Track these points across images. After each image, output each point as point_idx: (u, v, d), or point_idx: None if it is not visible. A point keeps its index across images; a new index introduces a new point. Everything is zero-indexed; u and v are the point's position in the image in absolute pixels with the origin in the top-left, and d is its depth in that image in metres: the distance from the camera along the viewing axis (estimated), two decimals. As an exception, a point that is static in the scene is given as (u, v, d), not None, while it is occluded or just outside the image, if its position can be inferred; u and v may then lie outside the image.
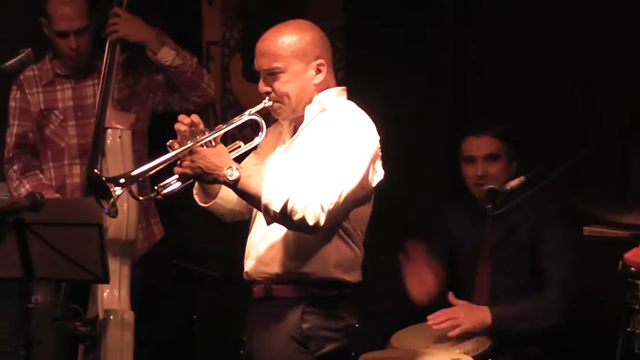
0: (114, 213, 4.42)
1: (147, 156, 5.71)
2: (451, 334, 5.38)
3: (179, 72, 5.74)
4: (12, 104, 5.82)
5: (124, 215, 5.13)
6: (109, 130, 5.57)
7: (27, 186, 5.78)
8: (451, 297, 5.48)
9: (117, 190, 4.38)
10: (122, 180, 4.42)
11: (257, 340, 4.68)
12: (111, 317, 5.40)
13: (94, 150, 5.59)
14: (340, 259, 4.61)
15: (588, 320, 5.59)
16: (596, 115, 6.27)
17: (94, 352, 5.50)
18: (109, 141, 5.56)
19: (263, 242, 4.67)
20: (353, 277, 4.65)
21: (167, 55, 5.69)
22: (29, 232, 4.54)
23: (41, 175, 5.90)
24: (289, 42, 4.65)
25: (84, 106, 5.84)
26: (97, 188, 4.43)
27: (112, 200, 4.40)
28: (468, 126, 6.12)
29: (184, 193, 4.70)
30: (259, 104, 4.66)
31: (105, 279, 4.83)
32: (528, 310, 5.46)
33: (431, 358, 5.18)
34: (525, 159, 5.78)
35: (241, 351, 4.89)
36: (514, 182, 5.22)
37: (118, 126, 5.59)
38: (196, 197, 4.78)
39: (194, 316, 5.72)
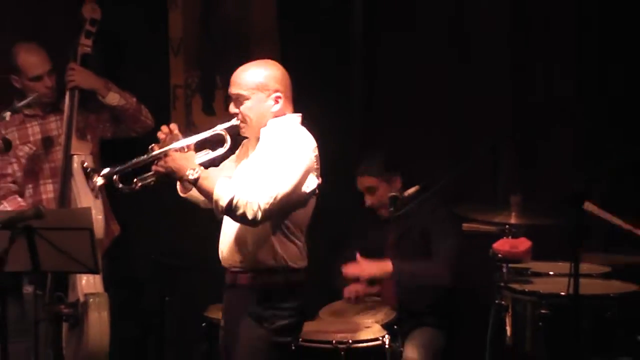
0: (93, 189, 4.62)
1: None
2: (353, 274, 5.57)
3: (122, 110, 5.77)
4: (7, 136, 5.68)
5: (96, 221, 5.06)
6: (74, 157, 5.59)
7: (8, 208, 5.68)
8: (358, 256, 5.57)
9: (99, 181, 4.47)
10: (112, 169, 4.49)
11: (228, 322, 4.78)
12: (90, 299, 5.37)
13: (64, 174, 5.62)
14: (284, 251, 4.62)
15: (467, 295, 5.63)
16: (468, 131, 6.24)
17: (76, 329, 5.46)
18: (75, 165, 5.58)
19: (229, 237, 4.72)
20: (297, 264, 4.67)
21: (113, 98, 5.71)
22: (36, 235, 4.49)
23: (19, 199, 5.78)
24: (254, 76, 4.66)
25: (50, 137, 5.82)
26: (88, 173, 4.56)
27: (97, 180, 4.48)
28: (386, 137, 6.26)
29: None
30: (230, 120, 4.69)
31: (97, 270, 4.79)
32: (421, 271, 5.53)
33: (350, 325, 5.27)
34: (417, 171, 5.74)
35: (203, 324, 5.08)
36: (410, 190, 5.29)
37: (81, 153, 5.63)
38: (178, 188, 4.78)
39: (166, 298, 5.65)
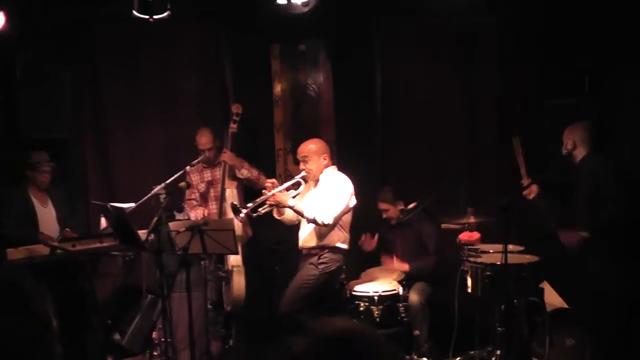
0: (241, 220, 4.80)
1: (243, 200, 5.60)
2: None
3: (250, 179, 5.70)
4: (188, 180, 5.62)
5: (237, 226, 4.98)
6: (227, 190, 5.64)
7: (192, 216, 5.67)
8: (395, 258, 5.57)
9: (244, 211, 4.75)
10: (249, 205, 4.79)
11: (301, 268, 4.99)
12: (235, 269, 5.42)
13: (221, 199, 5.64)
14: (339, 238, 4.93)
15: (445, 265, 5.37)
16: (443, 164, 6.12)
17: (228, 285, 5.50)
18: (227, 195, 5.62)
19: (305, 232, 5.00)
20: (345, 245, 4.97)
21: (244, 172, 5.67)
22: (205, 234, 4.59)
23: (200, 210, 5.76)
24: (311, 147, 4.99)
25: (215, 179, 5.80)
26: (235, 211, 4.74)
27: (242, 215, 4.75)
28: (397, 176, 6.00)
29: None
30: (299, 174, 4.97)
31: (237, 253, 4.96)
32: (421, 265, 5.43)
33: (379, 280, 5.34)
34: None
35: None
36: (411, 206, 5.41)
37: (230, 187, 5.67)
38: (275, 214, 5.01)
39: (276, 267, 5.66)
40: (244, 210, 4.75)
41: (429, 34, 6.06)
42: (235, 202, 4.95)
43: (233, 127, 5.72)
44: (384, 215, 5.67)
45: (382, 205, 5.66)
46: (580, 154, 4.79)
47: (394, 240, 5.71)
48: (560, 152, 4.88)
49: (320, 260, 4.89)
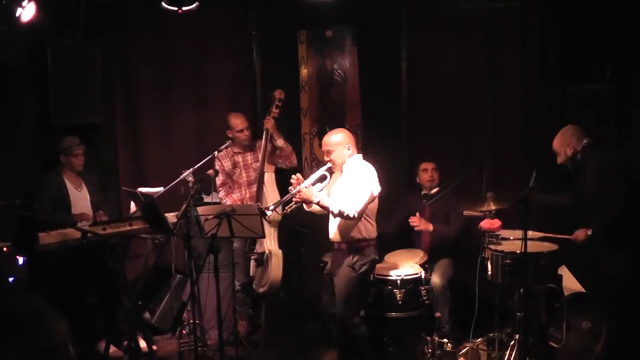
0: (268, 220, 4.85)
1: (277, 184, 5.71)
2: (417, 228, 5.59)
3: (282, 150, 5.72)
4: (217, 167, 5.72)
5: (273, 214, 5.11)
6: (266, 174, 5.66)
7: (227, 202, 5.65)
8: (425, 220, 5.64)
9: (268, 213, 4.80)
10: (272, 206, 4.85)
11: (334, 269, 4.90)
12: (272, 252, 5.49)
13: (259, 183, 5.66)
14: (366, 229, 4.81)
15: (466, 250, 5.47)
16: (468, 148, 6.12)
17: (261, 267, 5.56)
18: (265, 179, 5.65)
19: (334, 225, 4.90)
20: (373, 236, 4.84)
21: (279, 142, 5.67)
22: (232, 218, 4.66)
23: (234, 196, 5.79)
24: (336, 138, 4.86)
25: (247, 164, 5.80)
26: (262, 213, 4.75)
27: (268, 216, 4.82)
28: (421, 159, 5.91)
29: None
30: (325, 165, 4.88)
31: (263, 236, 4.93)
32: (444, 231, 5.57)
33: (402, 264, 5.35)
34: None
35: (324, 270, 5.09)
36: (433, 191, 5.58)
37: (269, 172, 5.70)
38: (305, 207, 4.91)
39: (302, 249, 5.67)
40: (269, 213, 4.83)
41: (454, 19, 6.12)
42: (272, 187, 5.05)
43: (275, 112, 5.71)
44: (424, 179, 5.75)
45: (428, 165, 5.78)
46: (579, 154, 4.94)
47: (424, 208, 5.78)
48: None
49: (355, 261, 4.83)
